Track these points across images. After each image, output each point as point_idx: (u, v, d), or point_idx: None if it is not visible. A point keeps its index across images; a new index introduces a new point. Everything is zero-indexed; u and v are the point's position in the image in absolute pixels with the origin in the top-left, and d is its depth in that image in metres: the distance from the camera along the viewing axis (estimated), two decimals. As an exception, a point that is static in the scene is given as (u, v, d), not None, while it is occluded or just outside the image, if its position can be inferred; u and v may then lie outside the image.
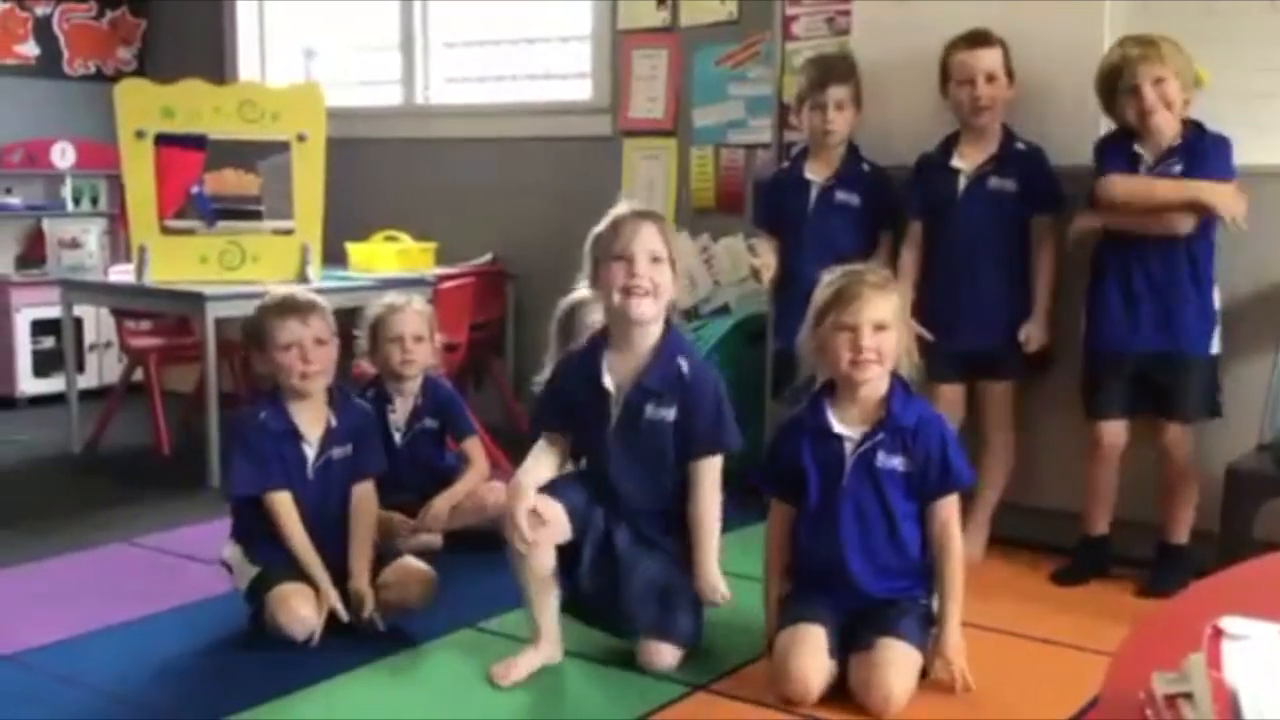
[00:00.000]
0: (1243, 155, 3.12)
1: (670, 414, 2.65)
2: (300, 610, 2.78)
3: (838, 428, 2.59)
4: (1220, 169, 3.09)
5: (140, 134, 4.39)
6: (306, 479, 2.97)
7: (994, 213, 3.36)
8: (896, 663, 2.47)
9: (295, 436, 2.97)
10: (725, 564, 2.73)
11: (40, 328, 5.55)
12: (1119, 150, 3.18)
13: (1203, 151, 3.10)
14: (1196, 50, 3.11)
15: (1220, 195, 3.05)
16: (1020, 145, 3.37)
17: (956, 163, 3.40)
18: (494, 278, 5.04)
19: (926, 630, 2.57)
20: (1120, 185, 3.12)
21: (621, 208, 2.70)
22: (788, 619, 2.60)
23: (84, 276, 5.29)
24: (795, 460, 2.62)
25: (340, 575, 2.90)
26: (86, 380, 5.32)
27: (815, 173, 3.63)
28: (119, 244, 5.70)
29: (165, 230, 4.48)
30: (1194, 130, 3.13)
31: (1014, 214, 3.36)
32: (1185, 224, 3.08)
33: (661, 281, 2.62)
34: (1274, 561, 1.81)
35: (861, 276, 2.59)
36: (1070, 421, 3.33)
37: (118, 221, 5.68)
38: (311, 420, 2.99)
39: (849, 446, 2.59)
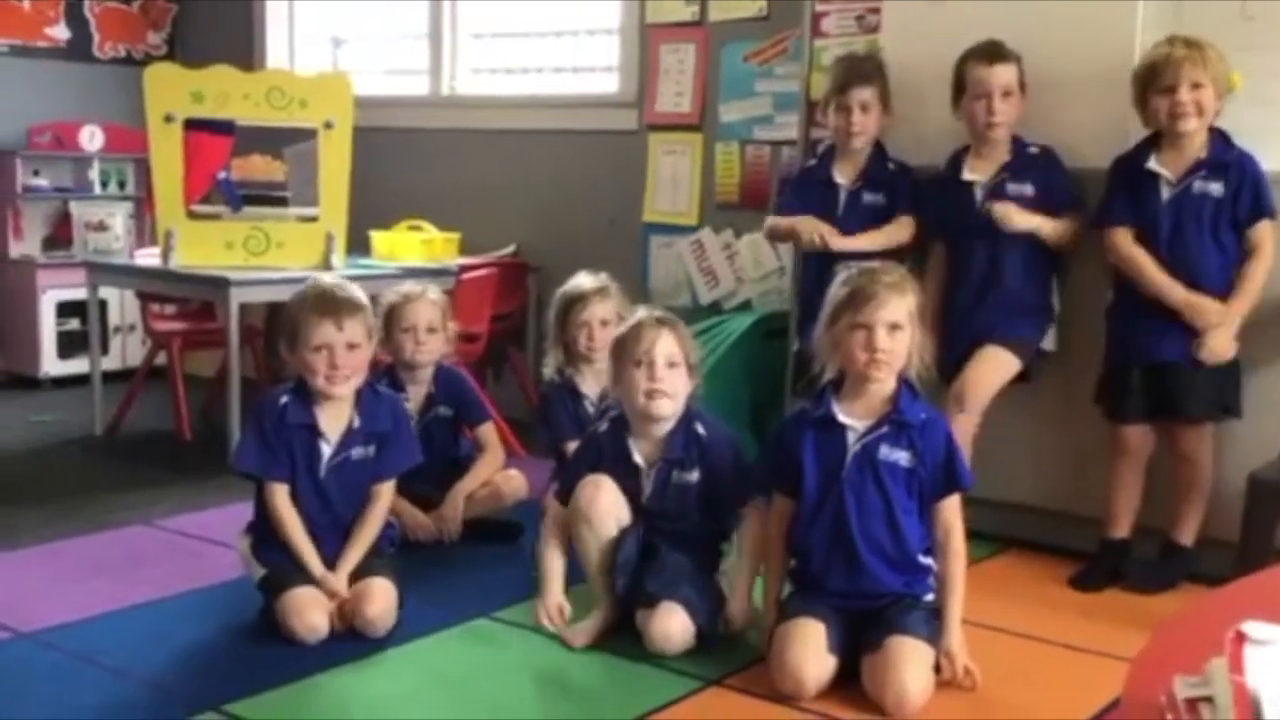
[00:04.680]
0: (1272, 163, 3.10)
1: (694, 476, 2.81)
2: (311, 619, 2.75)
3: (842, 417, 2.61)
4: (1264, 203, 3.07)
5: (169, 118, 4.41)
6: (318, 476, 2.91)
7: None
8: (908, 658, 2.46)
9: (313, 432, 2.91)
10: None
11: (65, 309, 5.58)
12: (1132, 173, 3.15)
13: (1237, 168, 3.07)
14: (1230, 55, 3.08)
15: (1205, 312, 3.06)
16: (1032, 149, 3.34)
17: (969, 175, 3.36)
18: (516, 269, 5.04)
19: (934, 625, 2.57)
20: (1122, 256, 3.15)
21: (642, 313, 2.85)
22: (786, 615, 2.60)
23: (110, 259, 5.32)
24: (796, 452, 2.64)
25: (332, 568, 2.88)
26: (110, 362, 5.35)
27: (843, 175, 3.59)
28: (145, 227, 5.73)
29: (191, 215, 4.50)
30: (1220, 140, 3.11)
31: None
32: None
33: (679, 384, 2.78)
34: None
35: (877, 276, 2.59)
36: (1091, 424, 3.31)
37: (144, 205, 5.71)
38: (334, 417, 2.93)
39: (851, 437, 2.60)
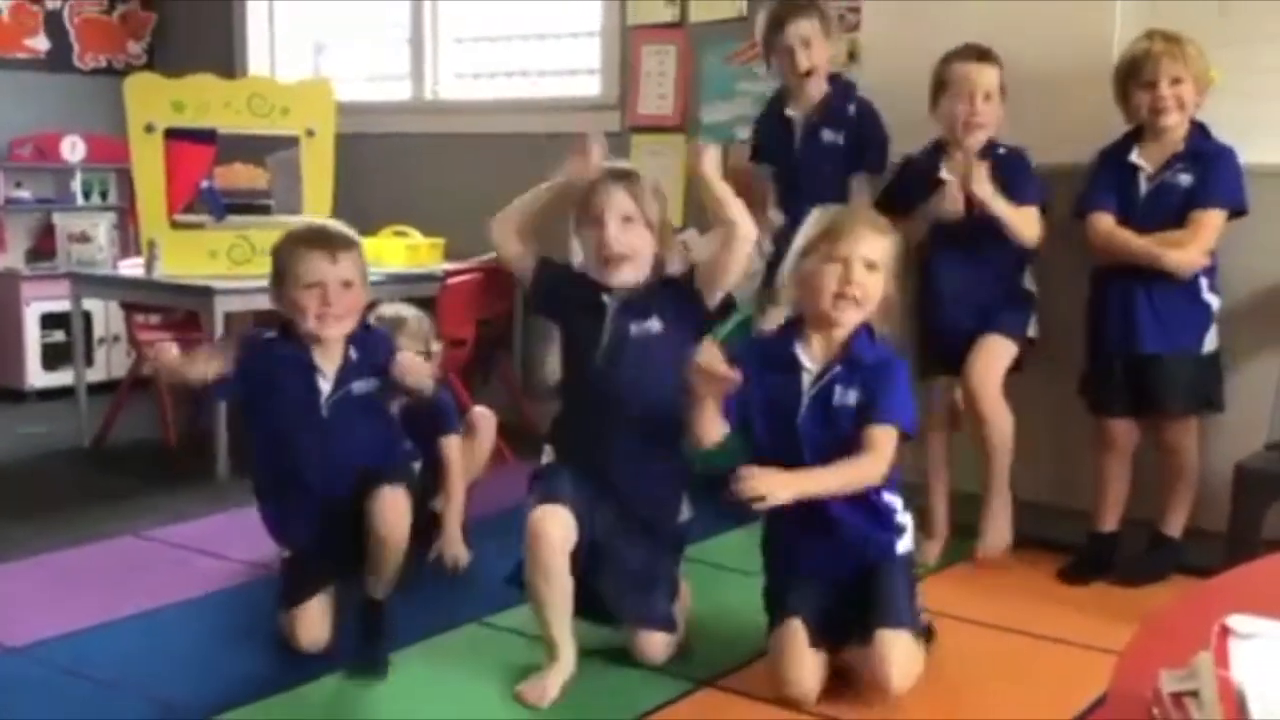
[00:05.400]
0: (1252, 155, 3.12)
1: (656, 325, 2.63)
2: (314, 631, 2.72)
3: (802, 359, 2.50)
4: (1226, 193, 3.10)
5: (150, 128, 4.39)
6: (319, 415, 2.70)
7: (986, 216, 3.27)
8: (896, 656, 2.42)
9: (307, 367, 2.70)
10: (721, 561, 2.70)
11: (50, 321, 5.56)
12: (1115, 165, 3.18)
13: (1209, 162, 3.10)
14: (1208, 51, 3.10)
15: (1184, 260, 3.06)
16: (1001, 149, 3.31)
17: (946, 174, 3.32)
18: (502, 274, 5.01)
19: (914, 591, 2.57)
20: (1100, 234, 3.16)
21: (602, 170, 2.69)
22: (771, 611, 2.57)
23: (93, 270, 5.30)
24: (748, 388, 2.47)
25: (348, 521, 2.68)
26: (95, 374, 5.33)
27: (797, 109, 3.55)
28: (128, 238, 5.71)
29: (175, 224, 4.48)
30: (1199, 133, 3.13)
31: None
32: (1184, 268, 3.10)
33: (639, 243, 2.61)
34: (1281, 561, 1.81)
35: (857, 213, 2.55)
36: (1076, 417, 3.33)
37: (127, 215, 5.69)
38: (326, 355, 2.72)
39: (806, 380, 2.50)
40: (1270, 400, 3.17)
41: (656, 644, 2.67)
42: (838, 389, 2.46)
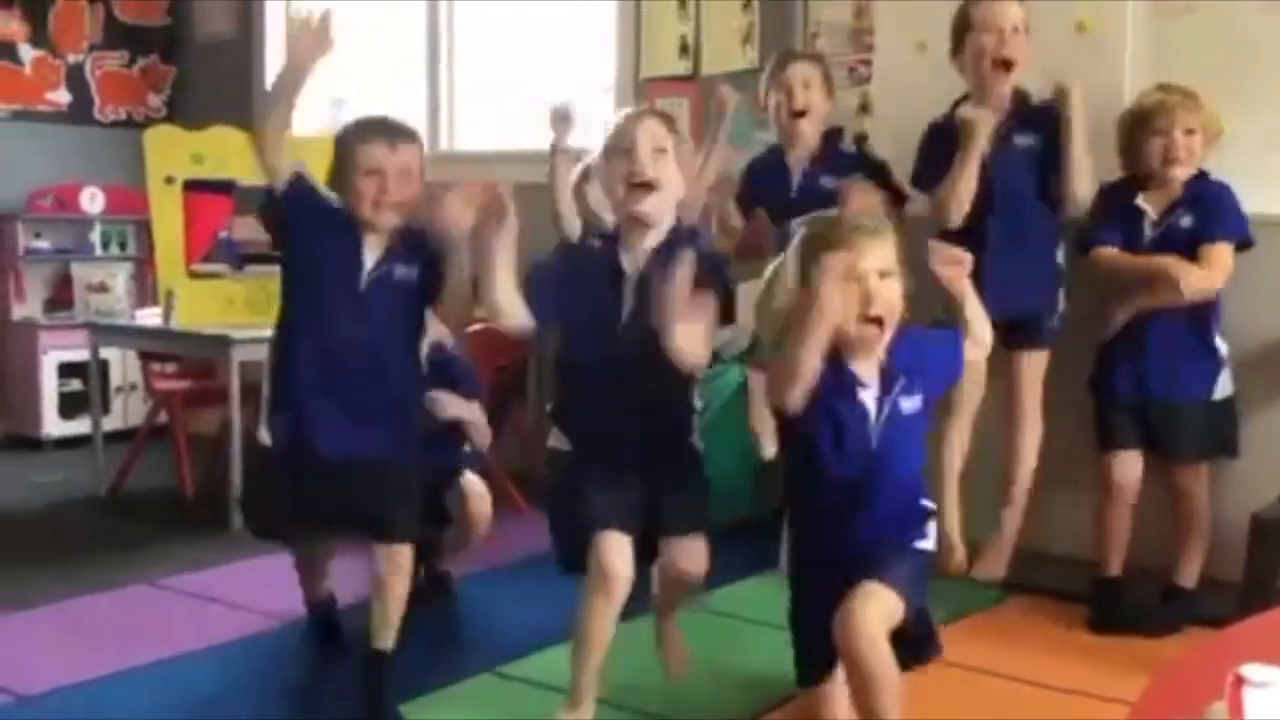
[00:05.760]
0: (1258, 205, 3.12)
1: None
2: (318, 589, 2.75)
3: (863, 378, 2.30)
4: (1231, 226, 3.10)
5: (169, 179, 4.45)
6: (357, 289, 2.65)
7: (1024, 171, 3.22)
8: (869, 605, 2.21)
9: (354, 231, 2.64)
10: (739, 611, 2.67)
11: (67, 370, 5.60)
12: (1118, 206, 3.18)
13: (1210, 202, 3.11)
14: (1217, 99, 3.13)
15: (1199, 278, 3.04)
16: (1035, 102, 3.24)
17: (964, 113, 3.20)
18: (517, 322, 5.05)
19: (920, 578, 2.35)
20: (1107, 263, 3.15)
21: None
22: (797, 647, 2.41)
23: (111, 320, 5.34)
24: (807, 422, 2.30)
25: (365, 417, 2.63)
26: (112, 422, 5.36)
27: (792, 155, 3.53)
28: (146, 288, 5.76)
29: (192, 274, 4.53)
30: (1197, 178, 3.14)
31: (1041, 171, 3.24)
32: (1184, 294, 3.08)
33: (669, 176, 2.52)
34: (1298, 610, 1.80)
35: (847, 225, 2.34)
36: (1083, 466, 3.29)
37: (145, 265, 5.74)
38: (377, 238, 2.67)
39: (869, 399, 2.30)
40: (1286, 449, 3.16)
41: (697, 553, 2.55)
42: (902, 401, 2.31)
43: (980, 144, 3.15)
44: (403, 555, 2.68)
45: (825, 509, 2.34)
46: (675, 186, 2.54)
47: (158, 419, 4.91)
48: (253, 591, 3.41)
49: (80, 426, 5.36)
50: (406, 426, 2.75)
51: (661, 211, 2.52)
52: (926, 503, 2.41)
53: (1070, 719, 2.69)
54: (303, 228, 2.70)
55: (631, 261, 2.54)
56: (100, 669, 2.92)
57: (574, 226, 3.30)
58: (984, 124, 3.14)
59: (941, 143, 3.25)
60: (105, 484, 4.73)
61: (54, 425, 5.62)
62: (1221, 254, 3.09)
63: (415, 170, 2.67)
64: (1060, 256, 3.32)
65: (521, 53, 5.35)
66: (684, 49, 4.70)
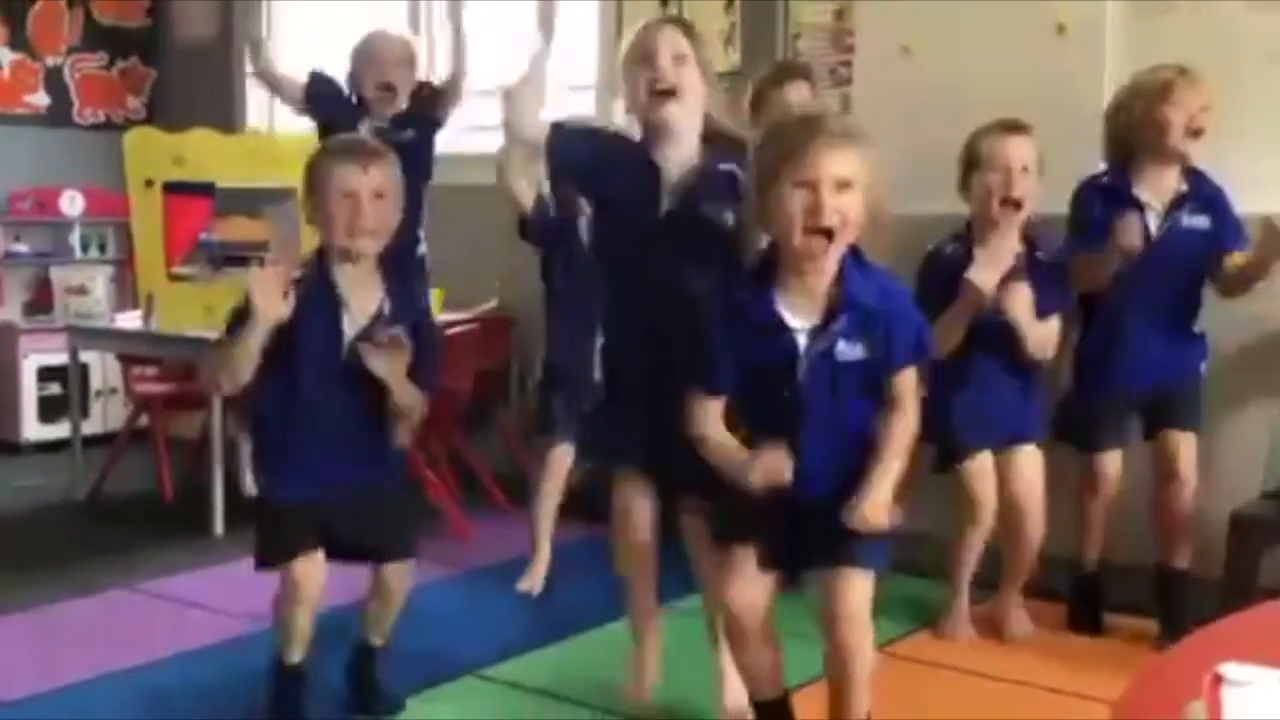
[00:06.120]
0: (1237, 202, 3.11)
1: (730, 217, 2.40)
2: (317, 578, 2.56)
3: (790, 319, 2.14)
4: (1241, 232, 3.06)
5: (149, 182, 4.43)
6: (338, 358, 2.54)
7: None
8: (852, 594, 2.16)
9: (333, 299, 2.54)
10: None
11: (47, 374, 5.56)
12: (1114, 201, 3.06)
13: (1221, 205, 3.07)
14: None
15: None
16: (1040, 254, 3.10)
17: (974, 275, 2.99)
18: (499, 324, 5.05)
19: (885, 548, 2.22)
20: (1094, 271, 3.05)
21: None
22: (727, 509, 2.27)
23: (91, 323, 5.31)
24: (739, 356, 2.17)
25: (350, 498, 2.56)
26: (91, 426, 5.32)
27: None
28: (126, 291, 5.73)
29: (173, 277, 4.50)
30: (1195, 175, 3.10)
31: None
32: None
33: (690, 81, 2.41)
34: (1277, 608, 1.81)
35: (815, 123, 2.15)
36: (1058, 464, 3.23)
37: (125, 268, 5.71)
38: (359, 289, 2.56)
39: (801, 341, 2.14)
40: (1264, 448, 3.17)
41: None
42: (841, 345, 2.13)
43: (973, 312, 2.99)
44: (408, 568, 2.67)
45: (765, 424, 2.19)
46: (697, 94, 2.43)
47: (138, 422, 4.88)
48: (233, 596, 3.39)
49: (60, 430, 5.33)
50: (394, 454, 2.72)
51: (684, 118, 2.42)
52: None
53: (1051, 718, 2.70)
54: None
55: (664, 161, 2.43)
56: (80, 674, 2.90)
57: (528, 200, 3.44)
58: (987, 298, 2.97)
59: (940, 278, 3.07)
60: (84, 488, 4.70)
61: (33, 429, 5.58)
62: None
63: (389, 189, 2.58)
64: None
65: (502, 51, 5.33)
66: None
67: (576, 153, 2.56)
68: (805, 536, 2.18)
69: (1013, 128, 3.06)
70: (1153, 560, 3.18)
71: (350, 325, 2.55)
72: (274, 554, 2.54)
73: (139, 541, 4.11)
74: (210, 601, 3.44)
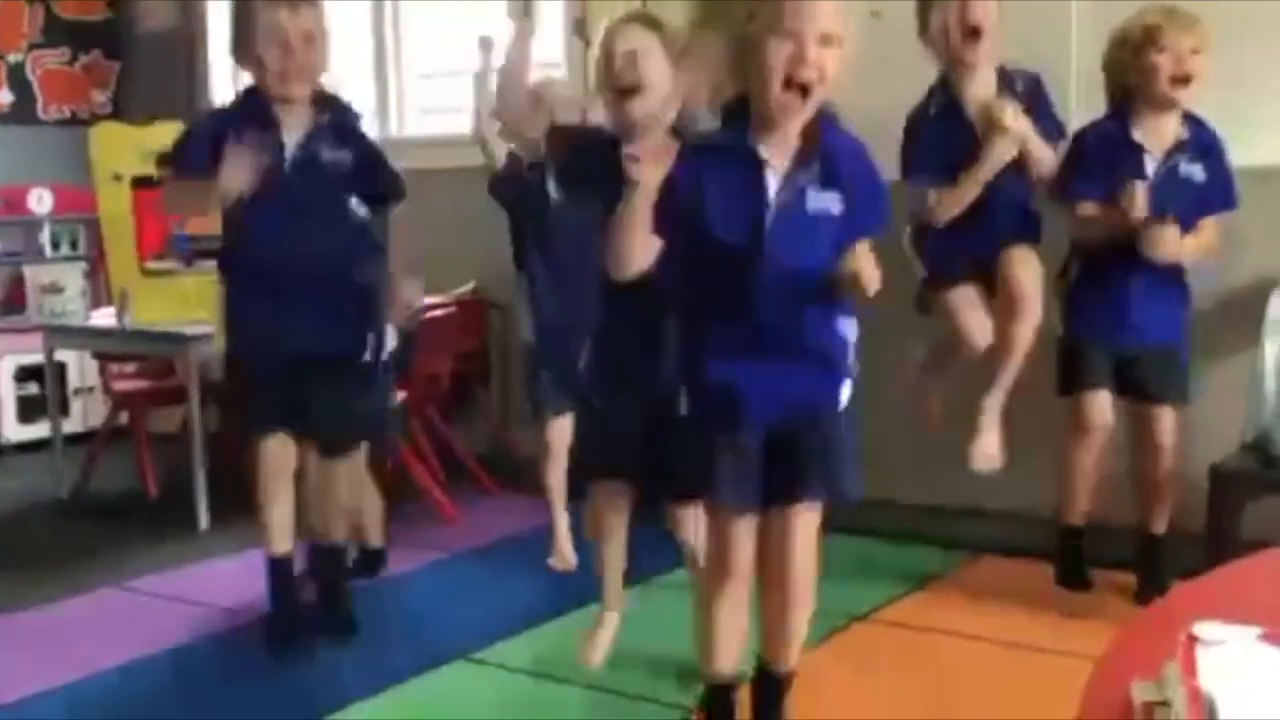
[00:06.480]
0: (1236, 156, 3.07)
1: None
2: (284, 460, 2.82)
3: (763, 153, 2.06)
4: (1234, 192, 3.03)
5: (117, 177, 4.39)
6: (282, 173, 2.63)
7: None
8: (801, 533, 2.16)
9: (269, 123, 2.62)
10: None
11: (24, 374, 5.52)
12: (1111, 144, 3.01)
13: (1218, 159, 3.02)
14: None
15: (1185, 250, 2.97)
16: (1018, 82, 3.09)
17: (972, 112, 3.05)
18: (476, 307, 5.04)
19: (843, 452, 2.16)
20: (1089, 218, 3.03)
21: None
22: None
23: (66, 321, 5.28)
24: (691, 194, 2.07)
25: (310, 300, 2.70)
26: (72, 425, 5.29)
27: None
28: (100, 287, 5.68)
29: (145, 272, 4.47)
30: (1194, 121, 3.03)
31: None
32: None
33: (655, 76, 2.40)
34: (1258, 562, 1.82)
35: None
36: (1045, 418, 3.21)
37: (98, 265, 5.67)
38: (293, 117, 2.65)
39: (772, 180, 2.06)
40: (1243, 399, 3.19)
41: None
42: (811, 192, 2.06)
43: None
44: (351, 456, 2.87)
45: (716, 296, 2.11)
46: (662, 84, 2.41)
47: (118, 420, 4.86)
48: (221, 591, 3.40)
49: (40, 430, 5.29)
50: (359, 317, 2.82)
51: (650, 112, 2.41)
52: (845, 332, 2.17)
53: (1042, 679, 2.71)
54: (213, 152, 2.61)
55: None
56: (73, 674, 2.89)
57: (501, 152, 3.51)
58: (1012, 117, 2.96)
59: (930, 131, 3.07)
60: (67, 488, 4.68)
61: (13, 430, 5.54)
62: (1217, 227, 3.03)
63: (318, 33, 2.61)
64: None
65: (472, 32, 5.29)
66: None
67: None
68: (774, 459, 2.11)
69: None
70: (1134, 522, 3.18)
71: (290, 138, 2.64)
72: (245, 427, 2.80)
73: (124, 539, 4.09)
74: (198, 596, 3.44)
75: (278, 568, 2.95)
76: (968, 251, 3.12)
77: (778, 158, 2.06)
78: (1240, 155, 3.09)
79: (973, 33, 3.01)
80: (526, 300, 3.66)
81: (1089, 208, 3.05)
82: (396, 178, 2.92)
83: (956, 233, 3.09)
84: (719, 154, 2.10)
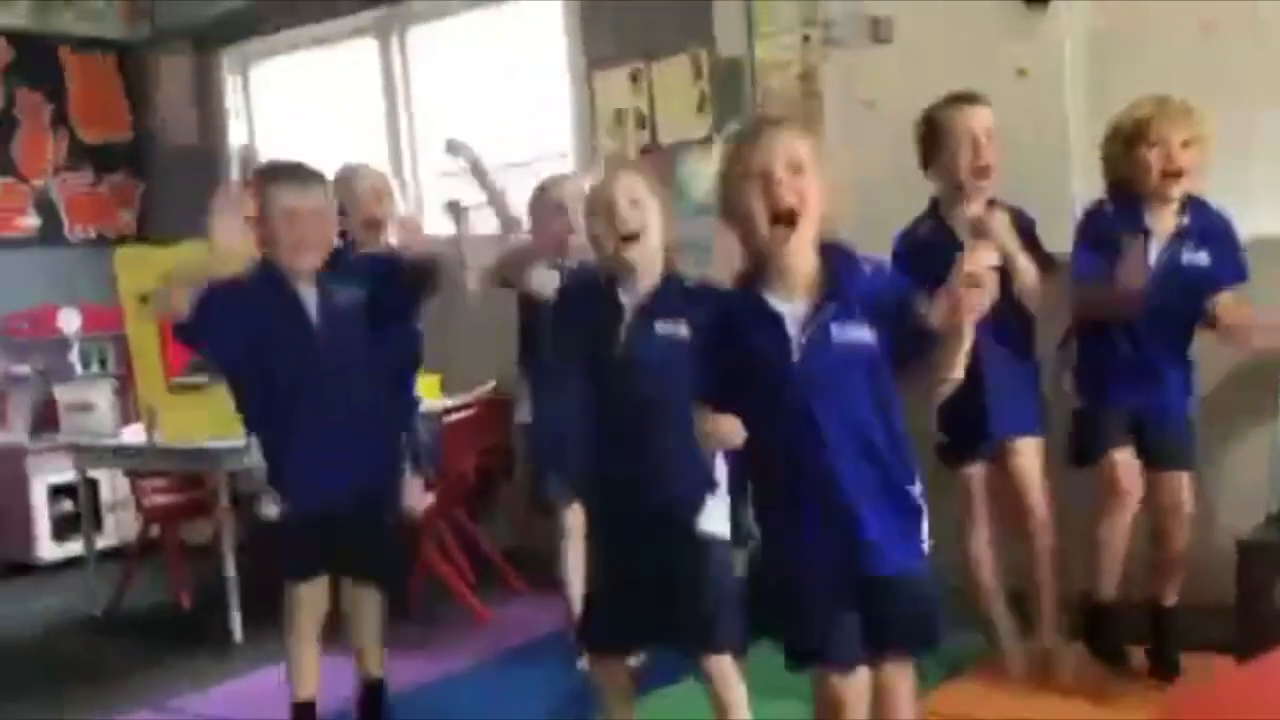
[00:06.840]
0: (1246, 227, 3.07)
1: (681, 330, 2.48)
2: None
3: (775, 304, 2.10)
4: (1241, 267, 3.00)
5: (143, 299, 4.46)
6: (310, 333, 2.81)
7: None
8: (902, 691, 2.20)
9: (284, 287, 2.80)
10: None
11: (59, 491, 5.58)
12: (1113, 228, 2.98)
13: (1222, 239, 2.99)
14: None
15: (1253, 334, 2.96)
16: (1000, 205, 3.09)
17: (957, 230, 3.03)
18: (498, 405, 5.07)
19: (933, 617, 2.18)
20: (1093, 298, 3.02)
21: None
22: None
23: (97, 440, 5.32)
24: (734, 353, 2.12)
25: (353, 461, 2.84)
26: (106, 539, 5.32)
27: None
28: (130, 403, 5.74)
29: (173, 389, 4.53)
30: (1196, 205, 3.01)
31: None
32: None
33: (649, 223, 2.52)
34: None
35: (763, 120, 2.24)
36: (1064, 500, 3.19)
37: (127, 380, 5.74)
38: (305, 280, 2.84)
39: (791, 327, 2.08)
40: (1267, 471, 3.17)
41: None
42: (834, 328, 2.08)
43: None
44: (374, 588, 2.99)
45: (777, 479, 2.14)
46: (656, 232, 2.53)
47: (150, 533, 4.90)
48: (258, 707, 3.40)
49: (76, 548, 5.33)
50: (390, 458, 3.11)
51: (648, 259, 2.53)
52: (910, 487, 2.15)
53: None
54: (233, 327, 2.82)
55: (630, 300, 2.53)
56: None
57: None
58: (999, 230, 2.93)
59: (918, 255, 3.00)
60: (101, 605, 4.70)
61: (48, 548, 5.58)
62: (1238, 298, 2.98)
63: (326, 207, 2.85)
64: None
65: (482, 115, 5.39)
66: (640, 122, 4.76)
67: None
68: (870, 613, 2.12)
69: (968, 99, 3.07)
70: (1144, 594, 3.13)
71: (309, 297, 2.82)
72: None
73: (160, 656, 4.11)
74: (235, 713, 3.44)
75: (301, 714, 2.96)
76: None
77: (791, 304, 2.10)
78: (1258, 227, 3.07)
79: (984, 173, 3.04)
80: (528, 386, 3.70)
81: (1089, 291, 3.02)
82: (416, 265, 3.04)
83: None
84: (735, 313, 2.16)
